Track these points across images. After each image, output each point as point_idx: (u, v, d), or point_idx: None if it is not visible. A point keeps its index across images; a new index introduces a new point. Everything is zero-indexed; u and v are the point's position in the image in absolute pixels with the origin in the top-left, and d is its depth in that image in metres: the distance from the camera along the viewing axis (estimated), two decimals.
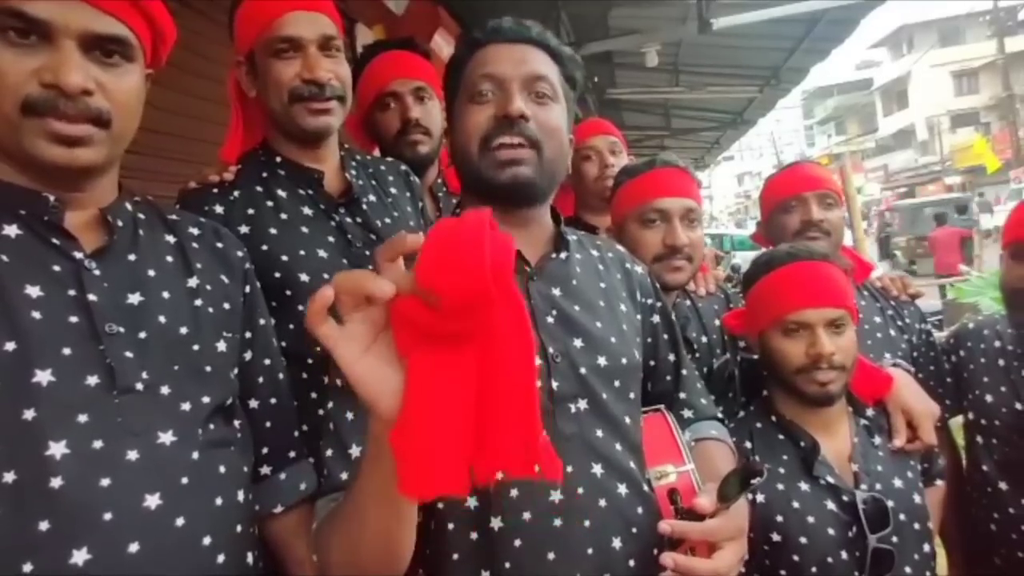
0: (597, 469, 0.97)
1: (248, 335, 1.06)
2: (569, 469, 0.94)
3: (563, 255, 1.09)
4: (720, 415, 1.27)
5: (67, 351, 0.81)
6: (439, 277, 0.56)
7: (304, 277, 1.28)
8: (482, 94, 1.01)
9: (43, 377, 0.79)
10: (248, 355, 1.06)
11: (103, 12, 0.85)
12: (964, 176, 30.38)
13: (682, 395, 1.23)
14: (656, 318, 1.20)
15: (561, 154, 1.05)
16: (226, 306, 1.02)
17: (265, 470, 1.08)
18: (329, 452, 0.92)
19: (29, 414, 0.77)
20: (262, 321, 1.10)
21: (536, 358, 0.95)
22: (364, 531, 0.74)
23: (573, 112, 1.11)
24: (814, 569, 1.28)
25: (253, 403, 1.07)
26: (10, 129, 0.82)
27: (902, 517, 1.33)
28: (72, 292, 0.85)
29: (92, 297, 0.85)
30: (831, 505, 1.31)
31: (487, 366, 0.60)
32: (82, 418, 0.80)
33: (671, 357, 1.22)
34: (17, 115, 0.81)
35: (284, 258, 1.28)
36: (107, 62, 0.87)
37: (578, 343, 1.02)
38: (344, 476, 0.89)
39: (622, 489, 0.98)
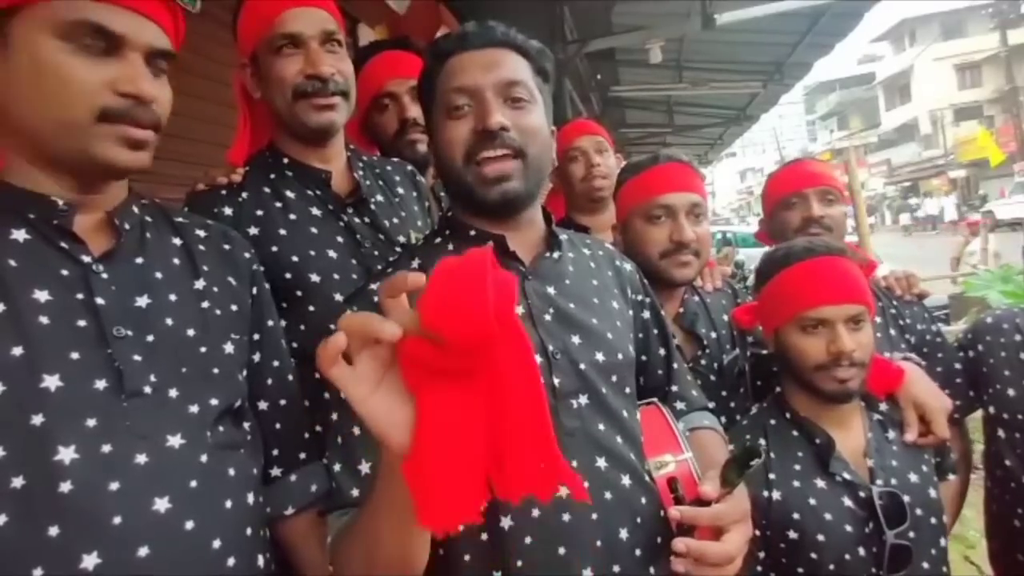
0: (601, 462, 0.98)
1: (256, 337, 1.06)
2: (574, 463, 0.94)
3: (556, 254, 1.10)
4: (710, 405, 1.28)
5: (75, 355, 0.81)
6: (443, 320, 0.58)
7: (315, 277, 1.28)
8: (458, 108, 1.01)
9: (51, 382, 0.79)
10: (257, 357, 1.06)
11: (161, 29, 0.92)
12: (968, 169, 30.31)
13: (674, 388, 1.24)
14: (646, 314, 1.21)
15: (545, 152, 1.06)
16: (234, 308, 1.02)
17: (276, 472, 1.07)
18: (337, 467, 0.93)
19: (37, 419, 0.77)
20: (270, 322, 1.10)
21: (537, 356, 0.96)
22: (380, 548, 0.76)
23: (551, 105, 1.11)
24: (832, 566, 1.27)
25: (263, 405, 1.07)
26: (79, 133, 0.85)
27: (918, 512, 1.31)
28: (80, 296, 0.85)
29: (100, 301, 0.85)
30: (848, 501, 1.30)
31: (497, 398, 0.62)
32: (90, 422, 0.80)
33: (662, 351, 1.24)
34: (91, 122, 0.85)
35: (294, 259, 1.28)
36: (158, 74, 0.92)
37: (576, 339, 1.03)
38: (355, 492, 0.90)
39: (626, 480, 0.99)
